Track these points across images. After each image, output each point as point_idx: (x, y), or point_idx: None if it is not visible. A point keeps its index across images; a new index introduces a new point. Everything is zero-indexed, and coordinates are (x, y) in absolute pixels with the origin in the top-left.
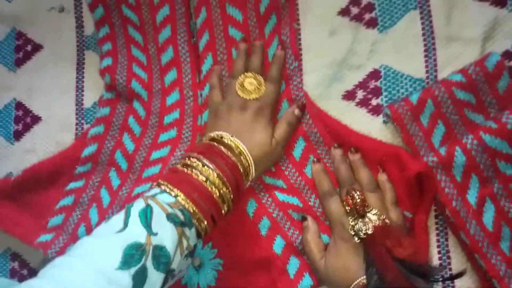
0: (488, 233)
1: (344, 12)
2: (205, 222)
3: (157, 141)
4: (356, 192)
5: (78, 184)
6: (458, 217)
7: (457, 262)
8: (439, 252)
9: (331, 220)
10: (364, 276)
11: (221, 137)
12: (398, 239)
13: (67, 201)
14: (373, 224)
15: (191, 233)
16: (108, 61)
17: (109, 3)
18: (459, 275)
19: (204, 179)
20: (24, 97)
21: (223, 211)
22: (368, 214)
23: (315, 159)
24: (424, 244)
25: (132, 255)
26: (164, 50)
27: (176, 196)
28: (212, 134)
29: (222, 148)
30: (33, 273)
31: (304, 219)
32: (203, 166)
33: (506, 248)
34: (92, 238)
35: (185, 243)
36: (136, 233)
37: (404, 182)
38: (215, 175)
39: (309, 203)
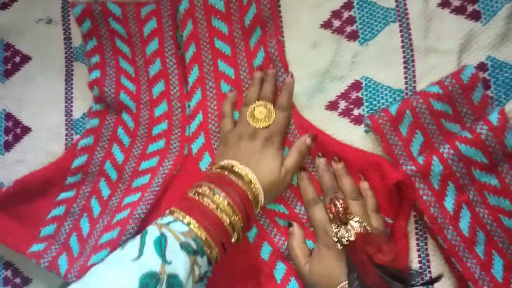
0: (464, 238)
1: (326, 25)
2: (216, 250)
3: (146, 152)
4: (339, 200)
5: (69, 194)
6: (436, 223)
7: (436, 265)
8: (419, 256)
9: (315, 227)
10: (347, 281)
11: (232, 166)
12: (379, 245)
13: (58, 211)
14: (355, 231)
15: (203, 261)
16: (96, 74)
17: (96, 16)
18: (437, 279)
19: (215, 207)
20: (14, 108)
21: (233, 239)
22: (351, 222)
23: (301, 168)
24: (404, 249)
25: (147, 284)
26: (151, 62)
27: (188, 223)
28: (222, 163)
29: (232, 177)
30: (26, 281)
31: (290, 225)
32: (214, 194)
33: (481, 252)
34: (107, 266)
35: (197, 271)
36: (151, 262)
37: (385, 190)
38: (226, 203)
39: (295, 210)
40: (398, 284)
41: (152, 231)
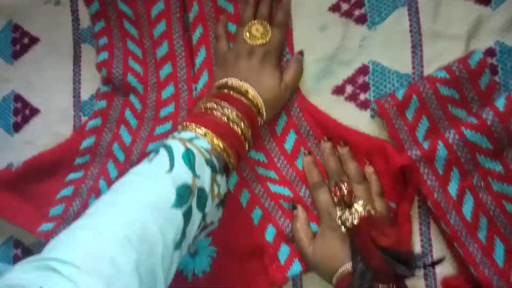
0: (467, 223)
1: (334, 8)
2: (233, 158)
3: (153, 134)
4: (344, 184)
5: (78, 175)
6: (439, 208)
7: (438, 249)
8: (421, 240)
9: (319, 210)
10: (350, 263)
11: (232, 84)
12: (382, 228)
13: (67, 191)
14: (359, 214)
15: (222, 180)
16: (104, 55)
17: None
18: (438, 261)
19: (226, 118)
20: (23, 89)
21: (246, 148)
22: (355, 205)
23: (306, 152)
24: (407, 233)
25: (183, 195)
26: (159, 44)
27: (205, 134)
28: (222, 81)
29: (234, 93)
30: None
31: (294, 208)
32: (222, 108)
33: (483, 237)
34: (139, 176)
35: (216, 189)
36: (183, 175)
37: (389, 174)
38: (235, 114)
39: (300, 193)
40: (401, 266)
41: (177, 146)
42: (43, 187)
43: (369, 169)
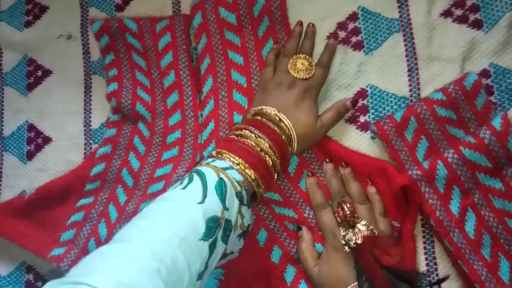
0: (470, 241)
1: (332, 36)
2: (262, 187)
3: (160, 159)
4: (346, 204)
5: (88, 200)
6: (442, 226)
7: (443, 268)
8: (426, 259)
9: (323, 231)
10: (355, 283)
11: (268, 112)
12: (386, 248)
13: (77, 217)
14: (362, 234)
15: (247, 212)
16: (114, 86)
17: (113, 32)
18: (443, 280)
19: (258, 149)
20: (36, 119)
21: (274, 178)
22: (358, 225)
23: (309, 173)
24: (411, 252)
25: (211, 228)
26: (166, 74)
27: (238, 163)
28: (259, 108)
29: (269, 122)
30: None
31: (299, 229)
32: (256, 137)
33: (487, 254)
34: (174, 205)
35: (239, 221)
36: (214, 207)
37: (391, 194)
38: (267, 145)
39: (304, 214)
40: (405, 285)
41: (210, 174)
42: (54, 213)
43: (371, 189)
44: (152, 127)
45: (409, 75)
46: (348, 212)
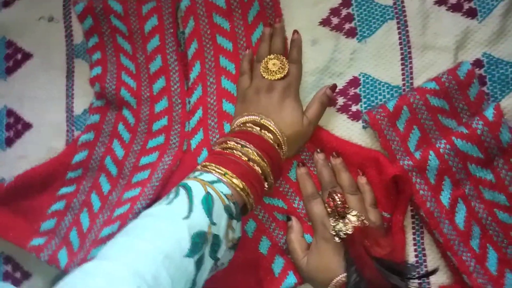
0: (460, 232)
1: (325, 22)
2: (252, 197)
3: (146, 147)
4: (337, 195)
5: (70, 189)
6: (432, 217)
7: (432, 259)
8: (415, 250)
9: (313, 221)
10: (344, 274)
11: (253, 120)
12: (376, 239)
13: (59, 205)
14: (353, 224)
15: (237, 226)
16: (97, 70)
17: (97, 14)
18: (433, 272)
19: (246, 158)
20: (15, 104)
21: (266, 187)
22: (348, 215)
23: (300, 163)
24: (401, 243)
25: (197, 243)
26: (152, 59)
27: (225, 174)
28: (243, 119)
29: (255, 130)
30: (26, 275)
31: (288, 219)
32: (243, 147)
33: (476, 245)
34: (156, 220)
35: (230, 235)
36: (200, 222)
37: (382, 185)
38: (256, 154)
39: (293, 205)
40: (395, 277)
41: (197, 188)
42: (34, 202)
43: (362, 180)
44: (138, 113)
45: (402, 64)
46: (339, 202)
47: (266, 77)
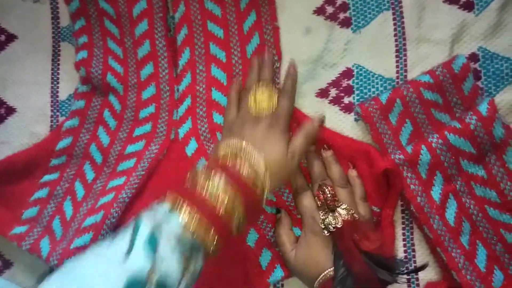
0: (450, 228)
1: (319, 11)
2: (216, 238)
3: (132, 135)
4: (327, 187)
5: (53, 176)
6: (423, 212)
7: (421, 255)
8: (404, 245)
9: (302, 214)
10: (332, 268)
11: (234, 151)
12: (366, 233)
13: (41, 193)
14: (342, 218)
15: (198, 256)
16: (83, 54)
17: None
18: (422, 268)
19: (213, 196)
20: None
21: (234, 227)
22: (338, 209)
23: None
24: (390, 238)
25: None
26: (140, 43)
27: (187, 212)
28: (223, 152)
29: (235, 162)
30: (6, 264)
31: (277, 212)
32: (214, 182)
33: (466, 242)
34: (96, 261)
35: (192, 267)
36: (139, 265)
37: (373, 178)
38: (226, 191)
39: (282, 197)
40: (384, 272)
41: (144, 228)
42: (16, 189)
43: (353, 173)
44: (124, 100)
45: (396, 56)
46: (329, 195)
47: (254, 108)
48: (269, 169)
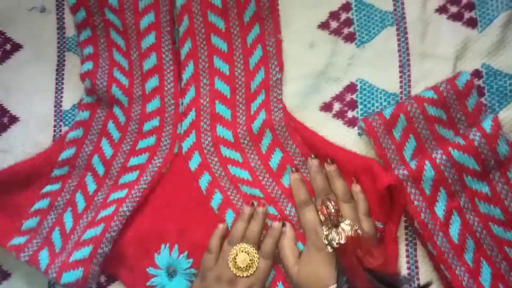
0: (454, 245)
1: (324, 25)
2: None
3: (135, 148)
4: (331, 202)
5: (54, 187)
6: (426, 229)
7: (425, 272)
8: (407, 262)
9: (305, 229)
10: (335, 285)
11: None
12: (369, 249)
13: (42, 204)
14: (346, 234)
15: None
16: (88, 66)
17: (91, 6)
18: (426, 286)
19: None
20: (2, 96)
21: None
22: (342, 224)
23: (293, 168)
24: (393, 254)
25: None
26: (147, 56)
27: None
28: None
29: None
30: (5, 275)
31: (283, 225)
32: None
33: (470, 259)
34: None
35: None
36: None
37: (376, 194)
38: None
39: (285, 211)
40: None
41: None
42: (17, 199)
43: (356, 188)
44: (128, 112)
45: (400, 71)
46: (333, 210)
47: (232, 269)
48: None
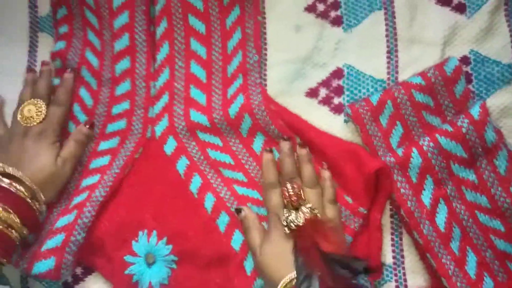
0: (440, 234)
1: (310, 8)
2: None
3: (105, 131)
4: (293, 185)
5: None
6: (413, 217)
7: (410, 261)
8: (393, 251)
9: (269, 210)
10: (293, 273)
11: (2, 171)
12: (326, 233)
13: None
14: (305, 216)
15: None
16: (61, 45)
17: None
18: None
19: None
20: None
21: (17, 241)
22: (302, 207)
23: (267, 149)
24: (377, 242)
25: None
26: (118, 37)
27: None
28: None
29: (4, 183)
30: None
31: (238, 211)
32: None
33: (456, 248)
34: None
35: None
36: None
37: (361, 179)
38: (2, 211)
39: (255, 179)
40: (343, 271)
41: None
42: None
43: (325, 174)
44: (97, 95)
45: (388, 57)
46: (292, 193)
47: (21, 122)
48: (39, 182)
